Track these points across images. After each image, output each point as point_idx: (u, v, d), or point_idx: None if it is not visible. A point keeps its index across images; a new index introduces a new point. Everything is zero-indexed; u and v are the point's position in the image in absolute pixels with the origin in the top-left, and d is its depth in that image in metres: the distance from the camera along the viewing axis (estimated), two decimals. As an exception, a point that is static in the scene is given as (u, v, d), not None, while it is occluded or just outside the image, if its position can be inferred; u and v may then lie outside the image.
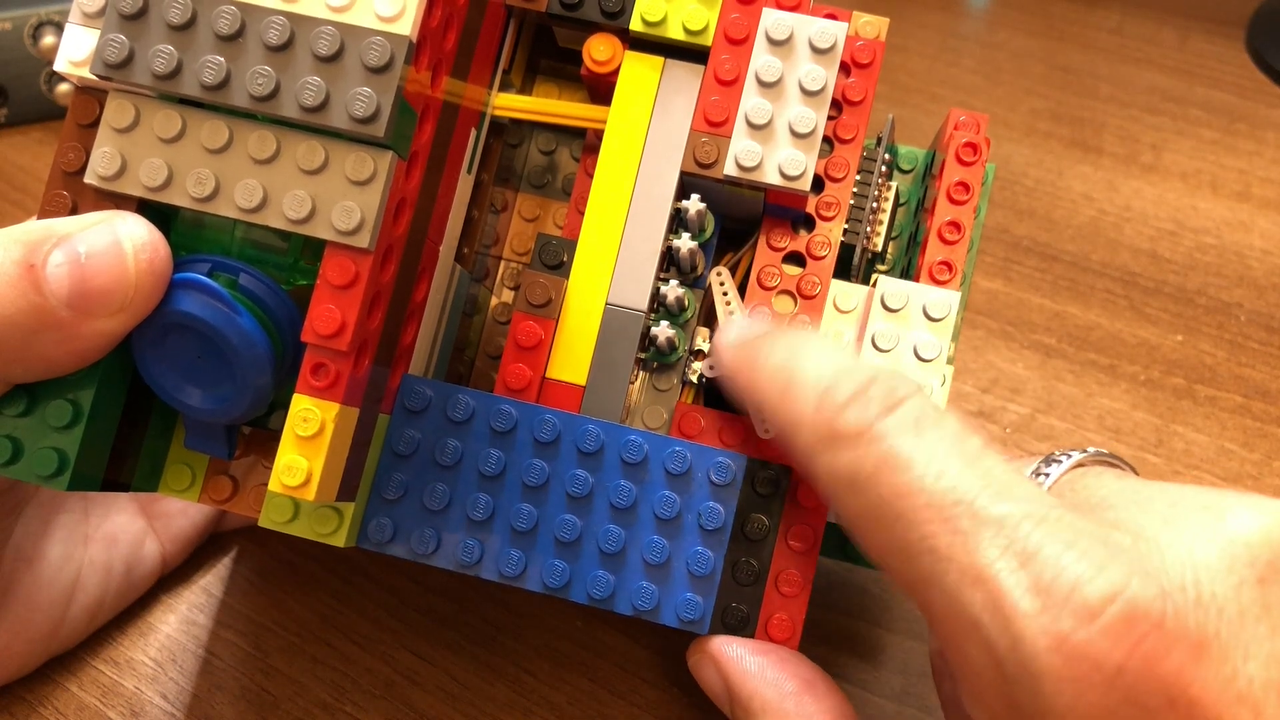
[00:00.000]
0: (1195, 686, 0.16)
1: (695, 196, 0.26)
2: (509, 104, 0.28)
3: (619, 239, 0.26)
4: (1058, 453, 0.22)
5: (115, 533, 0.30)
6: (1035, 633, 0.17)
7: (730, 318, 0.25)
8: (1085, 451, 0.22)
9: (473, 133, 0.27)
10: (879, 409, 0.20)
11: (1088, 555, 0.17)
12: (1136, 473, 0.22)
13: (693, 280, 0.27)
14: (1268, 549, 0.18)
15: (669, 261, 0.27)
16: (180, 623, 0.31)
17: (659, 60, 0.26)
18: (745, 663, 0.24)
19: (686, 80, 0.26)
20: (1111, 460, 0.22)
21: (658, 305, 0.27)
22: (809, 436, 0.21)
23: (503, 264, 0.30)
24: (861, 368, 0.21)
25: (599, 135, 0.27)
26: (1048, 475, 0.22)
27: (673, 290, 0.26)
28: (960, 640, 0.18)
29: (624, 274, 0.26)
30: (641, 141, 0.26)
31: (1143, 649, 0.17)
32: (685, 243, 0.26)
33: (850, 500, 0.20)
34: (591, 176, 0.27)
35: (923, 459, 0.19)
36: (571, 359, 0.26)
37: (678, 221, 0.27)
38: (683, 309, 0.27)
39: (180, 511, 0.31)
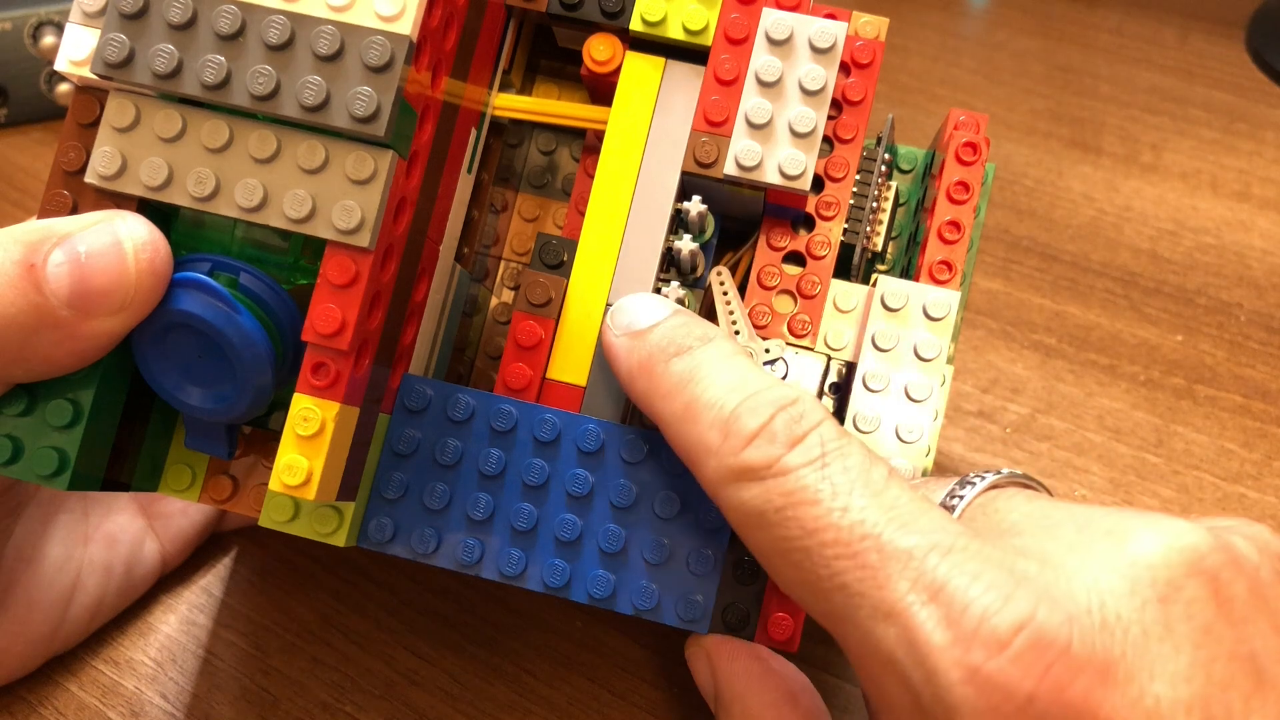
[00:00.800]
0: (1104, 709, 0.17)
1: (696, 198, 0.26)
2: (509, 104, 0.28)
3: (619, 239, 0.26)
4: (972, 475, 0.23)
5: (115, 533, 0.30)
6: (948, 665, 0.17)
7: (624, 298, 0.24)
8: (999, 473, 0.22)
9: (473, 132, 0.27)
10: (784, 442, 0.20)
11: (994, 586, 0.18)
12: (1050, 493, 0.22)
13: (693, 281, 0.27)
14: (1167, 569, 0.18)
15: (669, 262, 0.27)
16: (180, 623, 0.31)
17: (660, 60, 0.26)
18: (736, 666, 0.24)
19: (687, 80, 0.26)
20: (1025, 481, 0.23)
21: (668, 267, 0.27)
22: (714, 469, 0.21)
23: (503, 264, 0.30)
24: (766, 392, 0.21)
25: (599, 135, 0.27)
26: (961, 498, 0.22)
27: (673, 291, 0.26)
28: (877, 675, 0.19)
29: (624, 275, 0.26)
30: (642, 142, 0.26)
31: (1051, 676, 0.17)
32: (686, 244, 0.26)
33: (759, 535, 0.20)
34: (591, 176, 0.27)
35: (828, 493, 0.19)
36: (572, 360, 0.26)
37: (678, 222, 0.27)
38: None
39: (180, 511, 0.31)
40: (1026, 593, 0.17)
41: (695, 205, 0.26)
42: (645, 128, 0.26)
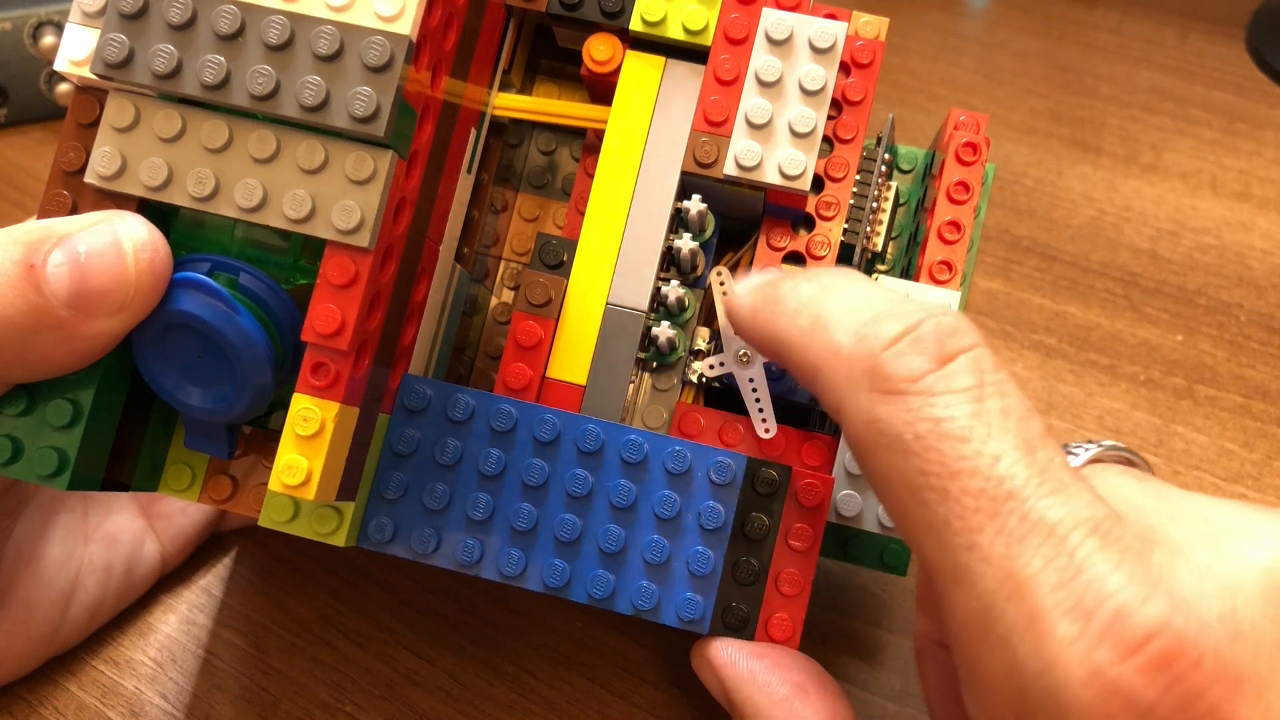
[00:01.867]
0: None
1: (696, 197, 0.26)
2: (509, 104, 0.28)
3: (619, 239, 0.26)
4: (1072, 445, 0.21)
5: (115, 533, 0.30)
6: (1070, 661, 0.16)
7: (745, 273, 0.23)
8: (1101, 445, 0.21)
9: (473, 132, 0.27)
10: (934, 358, 0.18)
11: (1134, 580, 0.16)
12: (1153, 472, 0.21)
13: (693, 280, 0.27)
14: None
15: (669, 261, 0.27)
16: (180, 623, 0.31)
17: (660, 60, 0.26)
18: (740, 668, 0.23)
19: (687, 80, 0.26)
20: (1129, 456, 0.21)
21: (658, 305, 0.27)
22: (844, 371, 0.18)
23: (503, 264, 0.30)
24: (909, 302, 0.19)
25: (599, 135, 0.27)
26: None
27: (673, 290, 0.26)
28: (982, 651, 0.17)
29: (624, 274, 0.26)
30: (643, 141, 0.26)
31: (1179, 689, 0.16)
32: (686, 242, 0.26)
33: (887, 460, 0.18)
34: (591, 176, 0.27)
35: (981, 434, 0.17)
36: (572, 359, 0.26)
37: (678, 221, 0.27)
38: (683, 309, 0.27)
39: (180, 511, 0.31)
40: (1164, 593, 0.16)
41: (695, 204, 0.26)
42: (645, 127, 0.26)
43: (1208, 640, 0.16)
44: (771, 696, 0.23)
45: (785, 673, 0.23)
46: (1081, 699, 0.16)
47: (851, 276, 0.21)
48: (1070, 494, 0.17)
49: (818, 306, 0.20)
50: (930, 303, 0.19)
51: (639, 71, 0.27)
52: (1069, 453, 0.21)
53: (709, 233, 0.27)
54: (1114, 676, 0.16)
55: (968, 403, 0.17)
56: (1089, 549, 0.17)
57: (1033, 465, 0.17)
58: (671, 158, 0.26)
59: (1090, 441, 0.21)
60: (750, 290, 0.22)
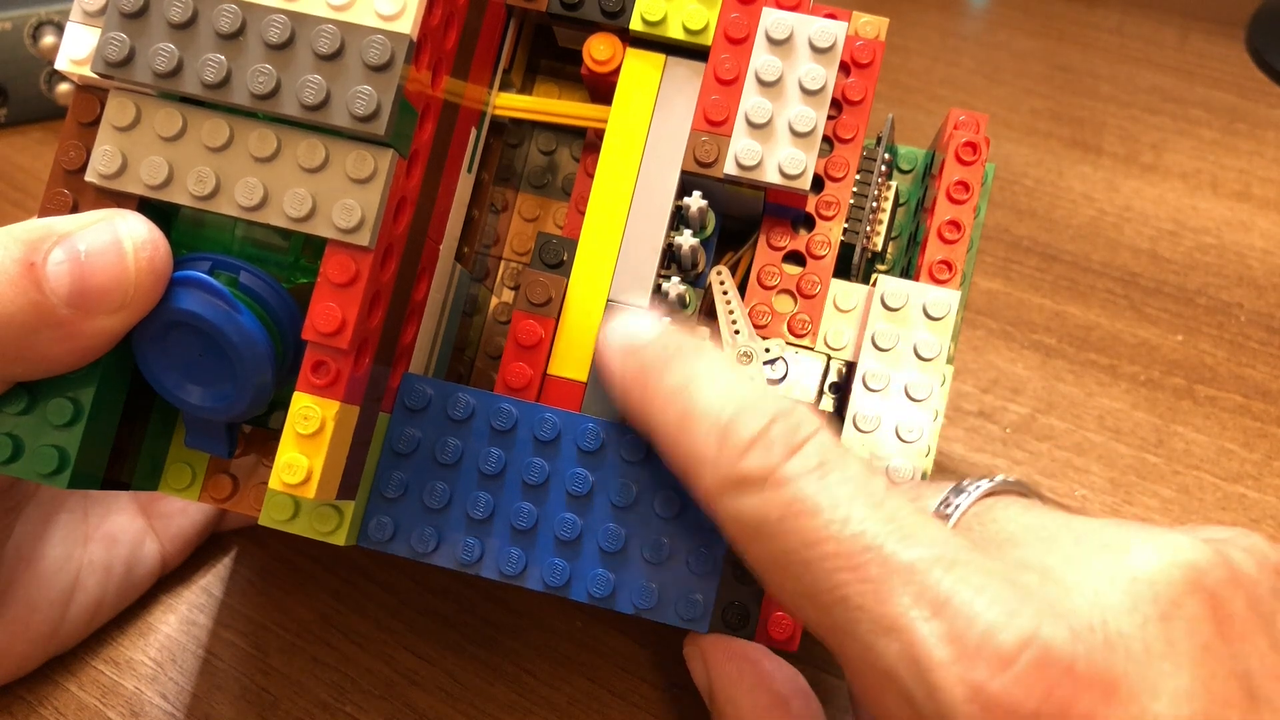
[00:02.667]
0: None
1: (697, 194, 0.26)
2: (510, 103, 0.28)
3: (620, 238, 0.26)
4: (965, 482, 0.22)
5: (115, 532, 0.30)
6: (951, 682, 0.17)
7: (616, 314, 0.24)
8: (993, 480, 0.22)
9: (473, 132, 0.27)
10: (782, 451, 0.20)
11: (998, 600, 0.17)
12: (1043, 499, 0.22)
13: (694, 278, 0.27)
14: (1168, 586, 0.18)
15: (670, 259, 0.27)
16: (180, 623, 0.31)
17: (660, 58, 0.27)
18: (729, 667, 0.24)
19: (688, 78, 0.26)
20: (1020, 489, 0.22)
21: (669, 263, 0.27)
22: (711, 479, 0.20)
23: (503, 264, 0.30)
24: (762, 401, 0.21)
25: (599, 135, 0.27)
26: (957, 506, 0.21)
27: (674, 288, 0.26)
28: (877, 691, 0.18)
29: (625, 270, 0.26)
30: (643, 139, 0.26)
31: (1056, 695, 0.17)
32: (686, 239, 0.26)
33: (757, 548, 0.20)
34: (592, 176, 0.27)
35: (828, 504, 0.19)
36: (573, 355, 0.26)
37: (679, 218, 0.27)
38: (684, 305, 0.27)
39: (180, 511, 0.31)
40: (1031, 609, 0.17)
41: (696, 201, 0.26)
42: (646, 125, 0.26)
43: (1078, 648, 0.17)
44: (754, 703, 0.23)
45: (772, 682, 0.24)
46: (970, 715, 0.17)
47: (712, 366, 0.22)
48: (923, 535, 0.19)
49: (683, 402, 0.21)
50: (778, 397, 0.21)
51: (639, 70, 0.27)
52: (960, 490, 0.22)
53: (709, 230, 0.27)
54: (994, 691, 0.17)
55: (814, 481, 0.19)
56: (952, 580, 0.18)
57: (881, 518, 0.19)
58: (672, 155, 0.26)
59: (984, 478, 0.22)
60: (621, 354, 0.23)
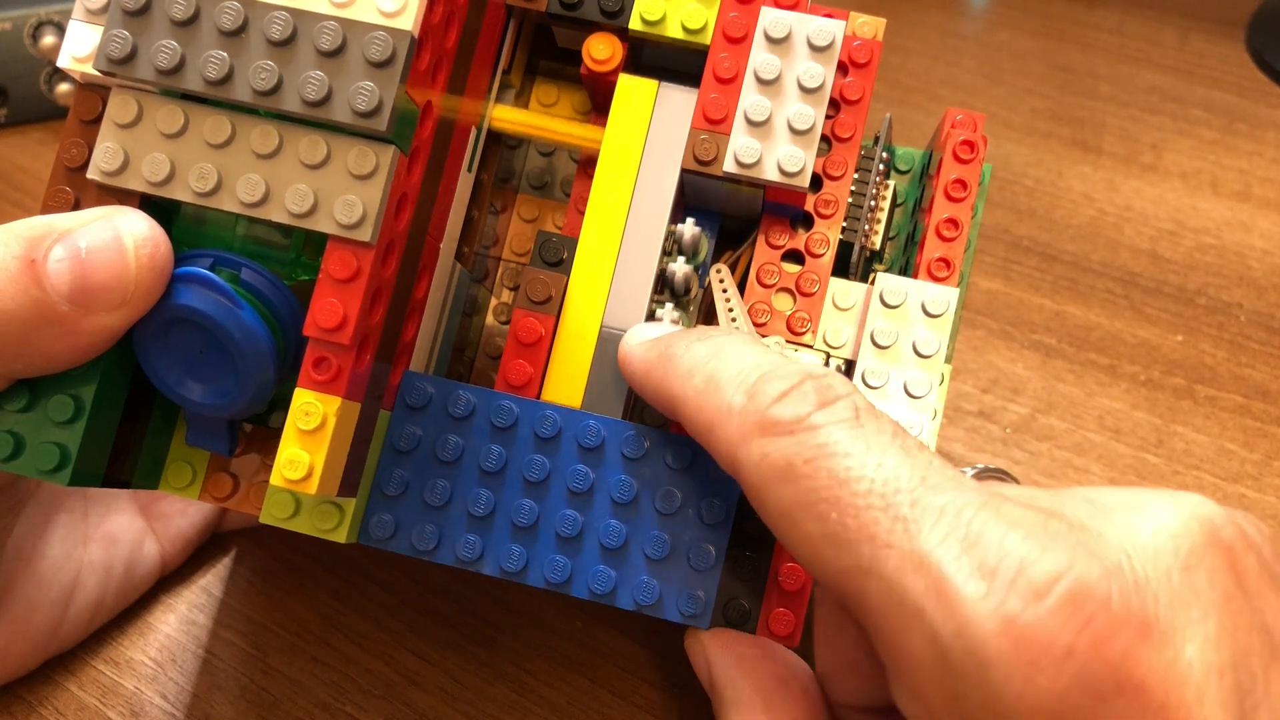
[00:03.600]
0: (1141, 669, 0.16)
1: (690, 220, 0.26)
2: (506, 117, 0.28)
3: (614, 263, 0.26)
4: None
5: (115, 532, 0.30)
6: (982, 616, 0.16)
7: (635, 326, 0.25)
8: (976, 468, 0.22)
9: (473, 131, 0.27)
10: (815, 402, 0.20)
11: (1031, 537, 0.17)
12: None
13: (687, 304, 0.28)
14: (1189, 538, 0.18)
15: (663, 284, 0.27)
16: (180, 623, 0.31)
17: (653, 85, 0.26)
18: (729, 654, 0.24)
19: (681, 105, 0.26)
20: (1001, 476, 0.22)
21: (662, 289, 0.27)
22: (736, 427, 0.20)
23: (502, 264, 0.30)
24: (792, 365, 0.21)
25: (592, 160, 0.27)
26: None
27: (668, 313, 0.26)
28: (899, 631, 0.18)
29: (619, 297, 0.26)
30: (636, 165, 0.26)
31: (1091, 629, 0.16)
32: (680, 266, 0.26)
33: (781, 490, 0.19)
34: (590, 177, 0.27)
35: (861, 449, 0.19)
36: (566, 382, 0.26)
37: (673, 244, 0.27)
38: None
39: (179, 512, 0.31)
40: (1063, 545, 0.17)
41: (689, 228, 0.26)
42: (639, 152, 0.26)
43: (1113, 585, 0.17)
44: (754, 683, 0.23)
45: (770, 666, 0.24)
46: (1001, 650, 0.16)
47: (740, 339, 0.22)
48: (955, 483, 0.18)
49: (710, 368, 0.21)
50: (810, 364, 0.21)
51: (632, 95, 0.26)
52: None
53: (703, 255, 0.27)
54: (1027, 622, 0.16)
55: (847, 429, 0.19)
56: (983, 519, 0.17)
57: (914, 466, 0.19)
58: (665, 182, 0.26)
59: (964, 468, 0.22)
60: (644, 346, 0.24)
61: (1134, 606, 0.17)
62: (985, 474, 0.22)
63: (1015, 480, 0.23)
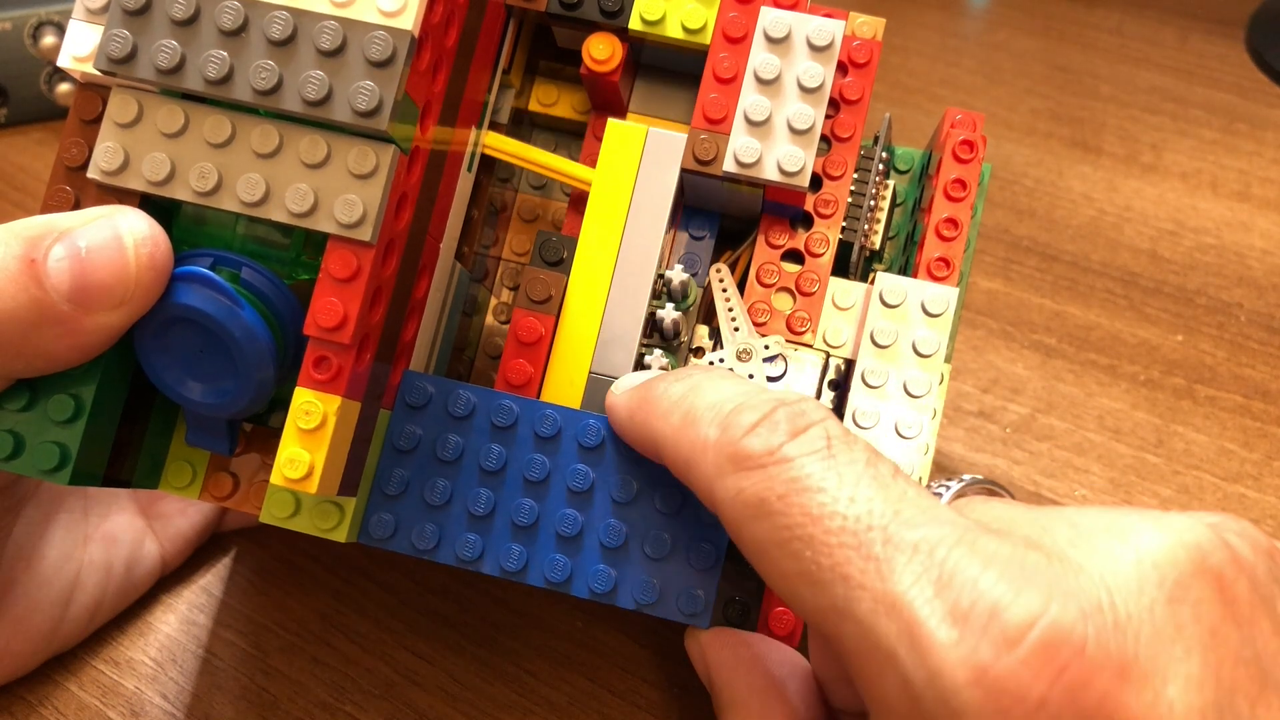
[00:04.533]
0: (1120, 712, 0.16)
1: (679, 265, 0.26)
2: (498, 145, 0.28)
3: (602, 308, 0.26)
4: (934, 484, 0.22)
5: (115, 532, 0.30)
6: (953, 664, 0.16)
7: (622, 377, 0.25)
8: (963, 480, 0.22)
9: (473, 131, 0.27)
10: (786, 432, 0.19)
11: (1005, 577, 0.17)
12: (1014, 498, 0.22)
13: (676, 348, 0.27)
14: (1174, 568, 0.17)
15: (652, 328, 0.27)
16: (180, 623, 0.31)
17: (642, 130, 0.26)
18: (727, 654, 0.24)
19: (669, 150, 0.26)
20: (992, 487, 0.22)
21: (651, 333, 0.27)
22: (712, 462, 0.20)
23: (501, 265, 0.30)
24: (765, 394, 0.21)
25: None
26: (939, 497, 0.21)
27: (656, 360, 0.26)
28: (874, 673, 0.17)
29: (607, 342, 0.26)
30: (625, 210, 0.26)
31: (1065, 678, 0.16)
32: (669, 312, 0.26)
33: (756, 527, 0.19)
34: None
35: (834, 482, 0.19)
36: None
37: (662, 288, 0.27)
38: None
39: (179, 512, 0.31)
40: (1038, 586, 0.17)
41: (678, 274, 0.26)
42: (628, 197, 0.26)
43: (1089, 628, 0.16)
44: (750, 684, 0.23)
45: (768, 663, 0.24)
46: (974, 700, 0.16)
47: (716, 374, 0.22)
48: (929, 516, 0.18)
49: (687, 404, 0.21)
50: (783, 392, 0.21)
51: (621, 141, 0.26)
52: (933, 492, 0.22)
53: (691, 299, 0.27)
54: (999, 672, 0.16)
55: (819, 460, 0.19)
56: (957, 556, 0.17)
57: (888, 498, 0.18)
58: (655, 226, 0.26)
59: (951, 479, 0.22)
60: (627, 393, 0.24)
61: (1112, 648, 0.16)
62: (973, 486, 0.22)
63: (1005, 491, 0.22)
